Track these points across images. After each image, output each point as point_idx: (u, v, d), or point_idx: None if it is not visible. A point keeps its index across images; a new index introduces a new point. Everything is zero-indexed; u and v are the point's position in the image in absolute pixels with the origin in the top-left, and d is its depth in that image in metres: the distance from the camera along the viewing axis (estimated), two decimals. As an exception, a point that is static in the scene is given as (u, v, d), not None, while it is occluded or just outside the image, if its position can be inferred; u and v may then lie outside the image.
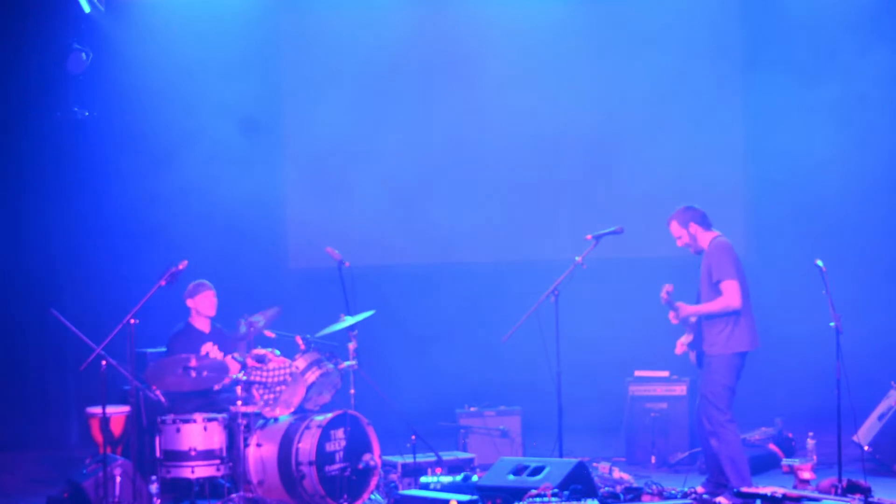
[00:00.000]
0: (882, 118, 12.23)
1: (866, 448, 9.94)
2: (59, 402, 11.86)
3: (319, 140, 12.58)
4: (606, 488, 8.82)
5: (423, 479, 9.18)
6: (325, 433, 8.69)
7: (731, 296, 8.60)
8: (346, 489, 8.68)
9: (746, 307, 8.69)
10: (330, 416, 8.79)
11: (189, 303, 9.53)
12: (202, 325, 9.54)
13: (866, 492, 8.53)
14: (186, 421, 8.62)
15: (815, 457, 9.82)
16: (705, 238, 8.81)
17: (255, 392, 8.92)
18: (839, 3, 12.20)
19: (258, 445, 8.79)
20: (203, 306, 9.50)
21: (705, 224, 8.84)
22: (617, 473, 9.42)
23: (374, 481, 8.86)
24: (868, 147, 12.22)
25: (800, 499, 8.22)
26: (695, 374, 9.25)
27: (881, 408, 10.28)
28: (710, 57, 12.59)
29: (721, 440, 8.68)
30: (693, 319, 8.76)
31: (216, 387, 9.10)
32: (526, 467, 8.61)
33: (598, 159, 12.70)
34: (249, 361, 9.01)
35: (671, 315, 8.79)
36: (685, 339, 8.84)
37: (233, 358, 9.22)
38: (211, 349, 9.38)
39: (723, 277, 8.63)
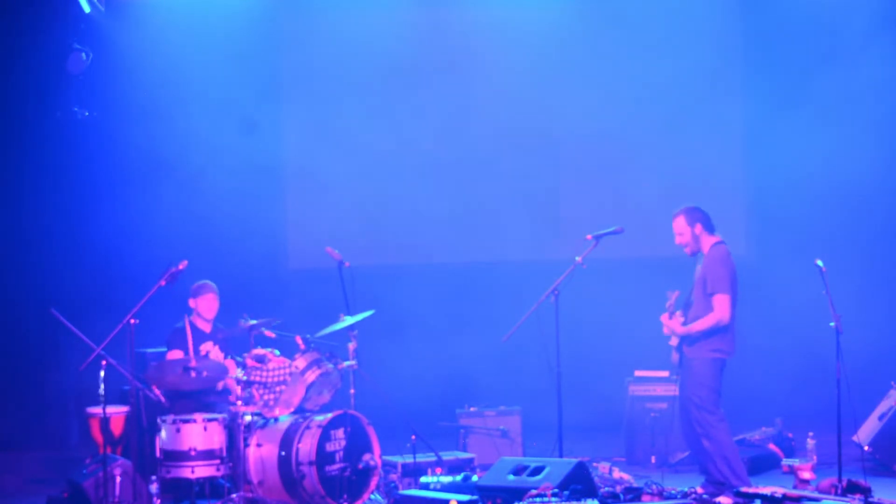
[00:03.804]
0: (882, 118, 12.23)
1: (866, 448, 9.94)
2: (59, 402, 11.85)
3: (319, 140, 12.58)
4: (606, 488, 8.81)
5: (423, 479, 9.18)
6: (325, 433, 8.68)
7: (721, 310, 8.65)
8: (346, 489, 8.68)
9: (732, 319, 8.73)
10: (330, 416, 8.79)
11: (191, 302, 9.55)
12: (203, 324, 9.54)
13: (866, 492, 8.53)
14: (186, 421, 8.61)
15: (815, 457, 9.82)
16: (707, 242, 8.83)
17: (255, 392, 8.92)
18: (839, 4, 12.21)
19: (258, 445, 8.79)
20: (203, 308, 9.53)
21: (710, 228, 8.86)
22: (617, 473, 9.42)
23: (374, 481, 8.86)
24: (868, 147, 12.23)
25: (800, 499, 8.23)
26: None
27: (881, 408, 10.28)
28: (711, 56, 12.60)
29: (713, 440, 8.71)
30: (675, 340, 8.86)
31: (219, 385, 9.12)
32: (526, 467, 8.61)
33: (599, 159, 12.72)
34: (249, 361, 9.00)
35: (664, 316, 8.82)
36: (673, 340, 8.91)
37: (233, 359, 9.24)
38: (211, 349, 9.38)
39: (717, 290, 8.66)
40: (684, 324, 8.80)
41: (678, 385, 9.04)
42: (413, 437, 9.49)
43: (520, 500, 8.14)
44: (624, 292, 12.06)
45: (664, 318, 8.82)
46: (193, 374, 8.64)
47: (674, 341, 8.89)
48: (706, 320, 8.70)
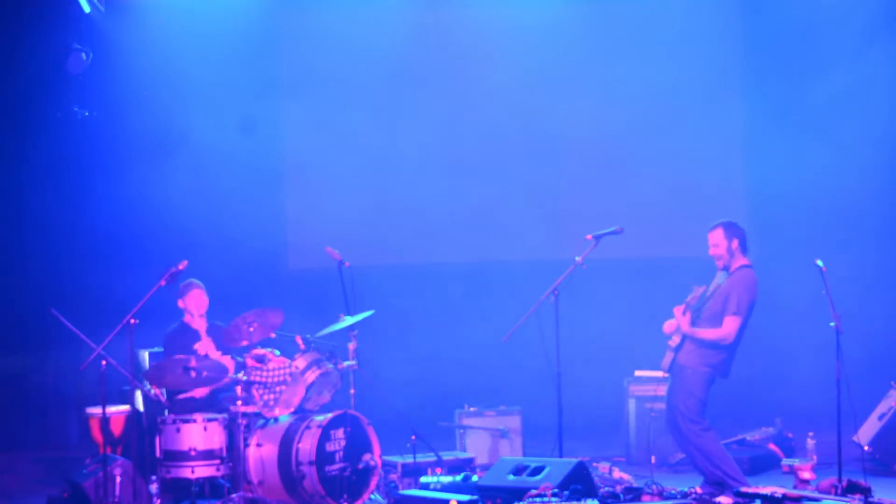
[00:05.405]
0: (881, 120, 12.24)
1: (866, 448, 9.94)
2: (58, 402, 11.84)
3: (319, 139, 12.57)
4: (606, 488, 8.82)
5: (423, 479, 9.19)
6: (325, 433, 8.69)
7: (728, 330, 8.70)
8: (346, 489, 8.68)
9: (737, 343, 8.77)
10: (330, 416, 8.79)
11: (180, 303, 9.48)
12: (197, 323, 9.51)
13: (866, 492, 8.53)
14: (186, 421, 8.61)
15: (815, 457, 9.83)
16: (738, 260, 8.86)
17: (255, 392, 8.92)
18: (838, 8, 12.21)
19: (258, 445, 8.79)
20: (192, 305, 9.45)
21: (744, 246, 8.89)
22: (617, 473, 9.42)
23: (374, 481, 8.86)
24: (867, 148, 12.23)
25: (800, 499, 8.24)
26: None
27: (881, 408, 10.29)
28: (711, 59, 12.61)
29: (701, 449, 8.77)
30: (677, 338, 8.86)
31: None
32: (526, 467, 8.61)
33: (599, 160, 12.72)
34: (249, 361, 9.01)
35: (678, 309, 8.80)
36: (673, 341, 8.90)
37: (232, 358, 9.24)
38: (209, 348, 9.36)
39: (734, 312, 8.69)
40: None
41: (667, 389, 9.06)
42: (413, 437, 9.49)
43: (520, 500, 8.14)
44: (624, 292, 12.06)
45: (677, 310, 8.82)
46: (193, 374, 8.64)
47: (674, 341, 8.88)
48: (712, 332, 8.73)
